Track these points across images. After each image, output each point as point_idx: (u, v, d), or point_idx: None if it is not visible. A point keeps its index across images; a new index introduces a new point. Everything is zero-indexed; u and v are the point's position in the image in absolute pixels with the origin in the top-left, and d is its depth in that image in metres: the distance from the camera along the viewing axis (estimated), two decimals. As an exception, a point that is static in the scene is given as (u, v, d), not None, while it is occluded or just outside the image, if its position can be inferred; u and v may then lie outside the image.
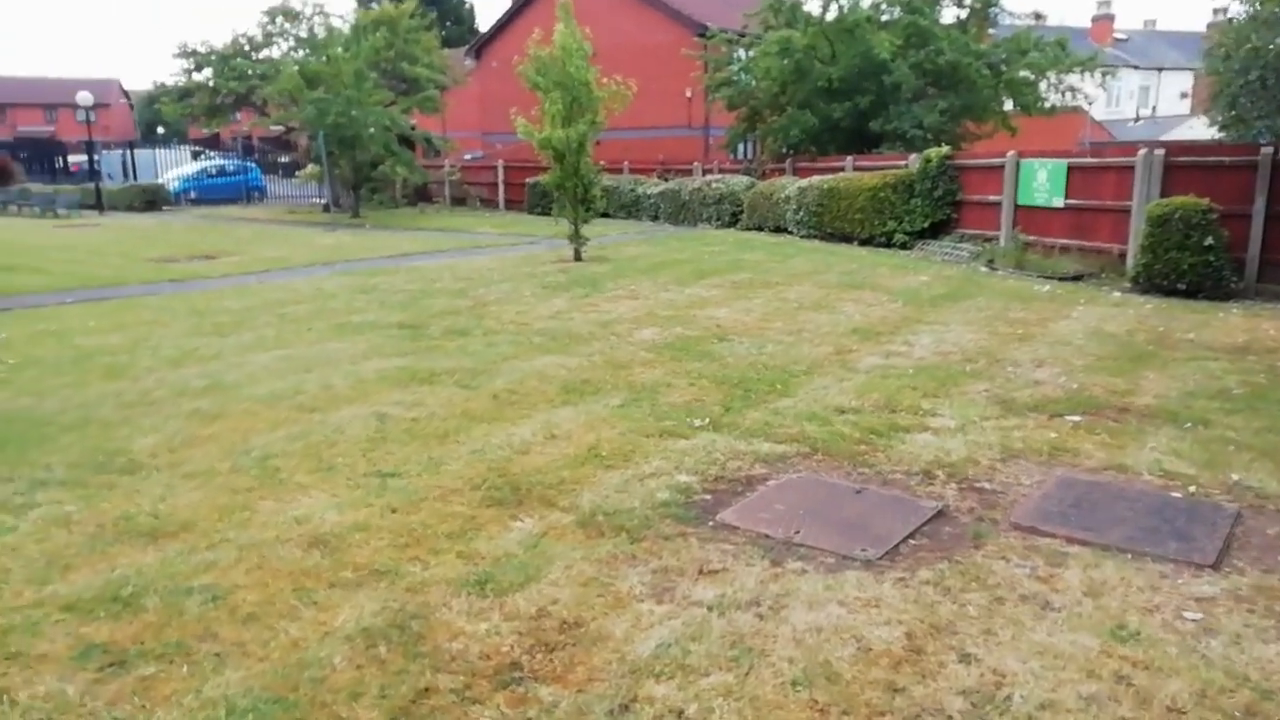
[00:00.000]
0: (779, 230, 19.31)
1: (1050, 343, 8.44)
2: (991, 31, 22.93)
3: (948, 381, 7.04)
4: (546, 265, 14.34)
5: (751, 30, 23.91)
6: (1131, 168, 12.50)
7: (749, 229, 20.31)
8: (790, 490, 4.85)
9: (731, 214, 21.26)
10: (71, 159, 38.95)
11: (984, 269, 13.78)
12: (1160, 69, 47.84)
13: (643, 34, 31.29)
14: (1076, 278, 12.65)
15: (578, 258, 14.83)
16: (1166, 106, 46.85)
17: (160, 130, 66.22)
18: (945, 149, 16.13)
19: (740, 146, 27.59)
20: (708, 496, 4.78)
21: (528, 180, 26.32)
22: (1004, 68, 21.30)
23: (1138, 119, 43.42)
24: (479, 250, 17.20)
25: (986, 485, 4.93)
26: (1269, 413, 6.20)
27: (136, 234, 20.96)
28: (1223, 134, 16.34)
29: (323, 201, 28.85)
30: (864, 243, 16.80)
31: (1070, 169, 13.68)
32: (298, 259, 15.60)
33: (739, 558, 4.04)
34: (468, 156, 36.96)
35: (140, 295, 11.48)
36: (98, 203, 27.61)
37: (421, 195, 32.18)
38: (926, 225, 15.96)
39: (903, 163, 17.10)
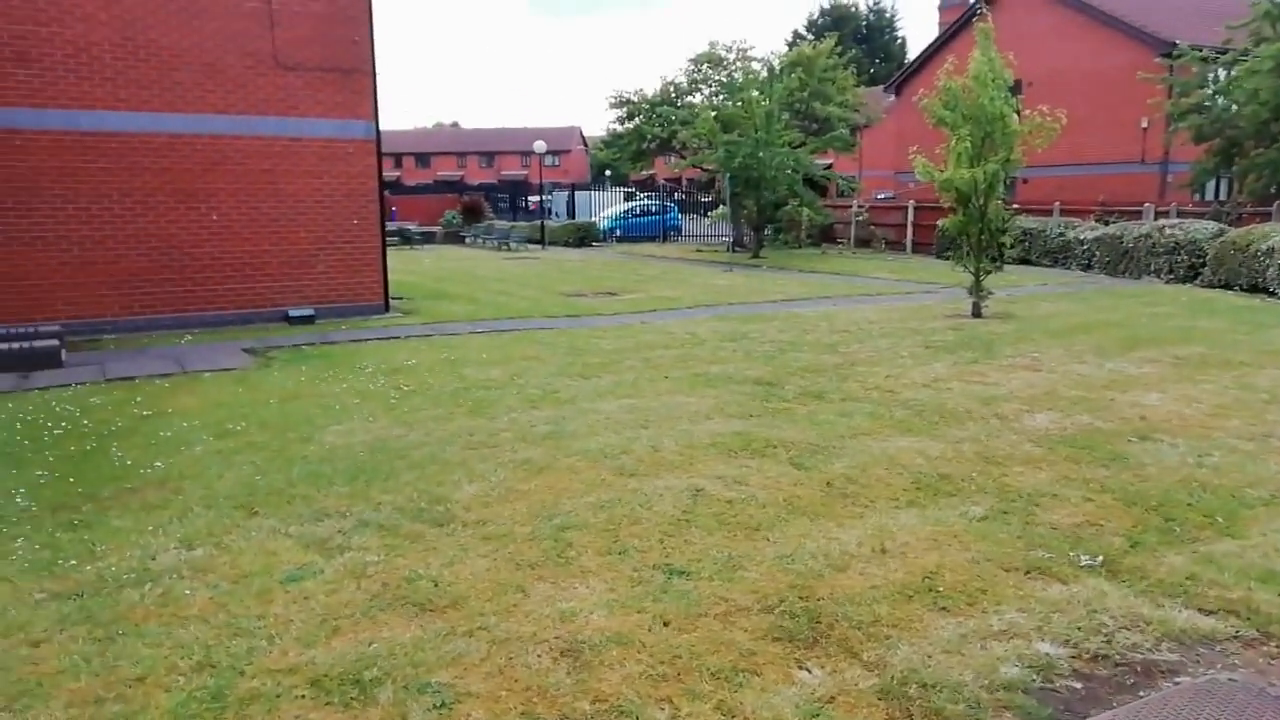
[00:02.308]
0: (1255, 290, 15.53)
1: None
2: None
3: None
4: (937, 320, 12.88)
5: (1235, 45, 19.79)
6: None
7: (1212, 286, 16.66)
8: (1212, 703, 3.29)
9: (1189, 267, 17.64)
10: (531, 199, 45.19)
11: None
12: None
13: (1092, 57, 27.72)
14: None
15: (976, 314, 13.13)
16: None
17: (608, 173, 74.39)
18: None
19: (1208, 186, 23.05)
20: (1077, 685, 3.42)
21: (938, 222, 24.56)
22: None
23: None
24: (868, 298, 16.16)
25: None
26: None
27: (561, 268, 23.30)
28: None
29: (729, 240, 29.83)
30: (1384, 312, 12.71)
31: None
32: (687, 299, 15.92)
33: (1108, 811, 2.72)
34: (880, 196, 35.83)
35: (536, 329, 12.38)
36: (541, 238, 31.46)
37: (826, 236, 31.79)
38: None
39: None
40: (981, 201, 12.86)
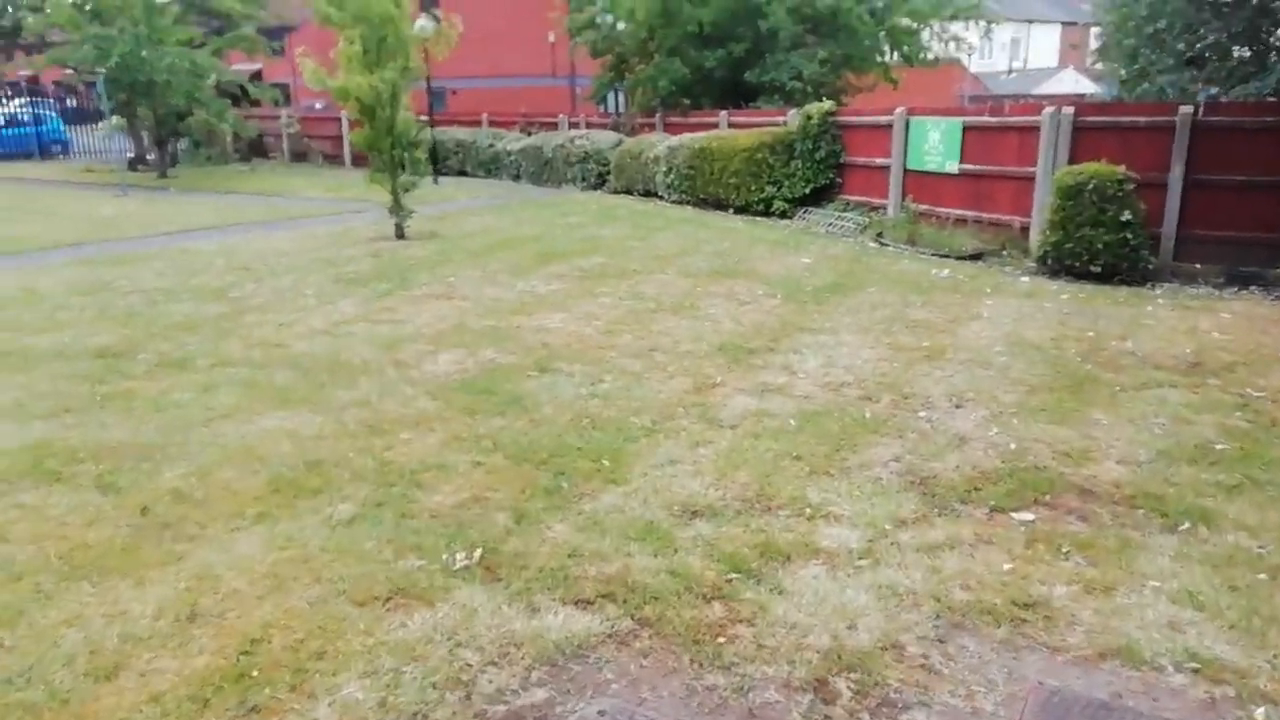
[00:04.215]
0: (649, 194, 17.07)
1: (965, 361, 6.55)
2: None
3: (843, 443, 5.00)
4: (358, 246, 11.67)
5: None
6: (1036, 128, 10.77)
7: (617, 192, 17.99)
8: (579, 753, 2.65)
9: (598, 174, 18.86)
10: None
11: (873, 244, 11.93)
12: (1030, 21, 47.53)
13: (505, -32, 28.22)
14: (976, 256, 10.96)
15: (400, 235, 12.21)
16: (1036, 59, 46.69)
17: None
18: (828, 104, 14.14)
19: (609, 98, 25.08)
20: (421, 787, 2.53)
21: (349, 135, 23.12)
22: (886, 15, 19.44)
23: (1010, 72, 43.08)
24: (290, 222, 14.29)
25: (921, 718, 2.86)
26: (1277, 489, 4.42)
27: None
28: (1122, 90, 15.00)
29: (129, 158, 24.86)
30: (740, 210, 14.75)
31: (966, 129, 11.88)
32: (42, 237, 12.38)
33: None
34: (317, 106, 33.01)
35: None
36: None
37: (257, 150, 28.41)
38: (808, 191, 14.01)
39: (781, 119, 15.06)
40: (389, 113, 11.76)
